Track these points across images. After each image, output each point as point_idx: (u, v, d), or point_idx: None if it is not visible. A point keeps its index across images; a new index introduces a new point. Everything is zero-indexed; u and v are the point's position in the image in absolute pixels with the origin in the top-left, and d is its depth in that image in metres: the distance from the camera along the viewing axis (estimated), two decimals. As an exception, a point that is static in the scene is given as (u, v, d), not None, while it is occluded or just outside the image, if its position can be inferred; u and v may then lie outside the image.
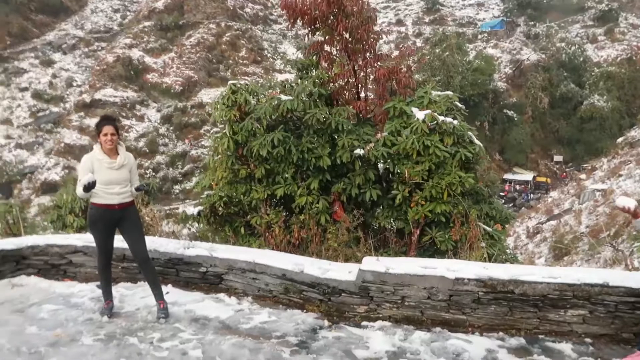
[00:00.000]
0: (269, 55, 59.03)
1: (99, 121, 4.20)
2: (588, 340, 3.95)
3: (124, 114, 44.98)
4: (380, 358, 3.62)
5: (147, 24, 56.06)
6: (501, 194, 40.08)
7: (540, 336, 4.02)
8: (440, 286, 4.18)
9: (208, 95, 50.79)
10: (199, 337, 3.92)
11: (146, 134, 44.67)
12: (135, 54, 51.54)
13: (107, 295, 4.45)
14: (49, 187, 37.03)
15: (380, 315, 4.32)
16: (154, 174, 40.54)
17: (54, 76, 49.32)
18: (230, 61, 55.47)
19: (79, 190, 4.01)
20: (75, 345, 3.77)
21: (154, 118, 47.50)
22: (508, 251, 7.59)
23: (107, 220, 4.20)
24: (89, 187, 3.88)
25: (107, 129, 4.07)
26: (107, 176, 4.11)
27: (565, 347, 3.82)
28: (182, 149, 44.56)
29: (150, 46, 53.39)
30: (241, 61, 55.98)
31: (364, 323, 4.25)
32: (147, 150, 43.12)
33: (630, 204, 3.34)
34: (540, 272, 4.15)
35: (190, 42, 54.18)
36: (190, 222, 7.19)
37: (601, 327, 3.97)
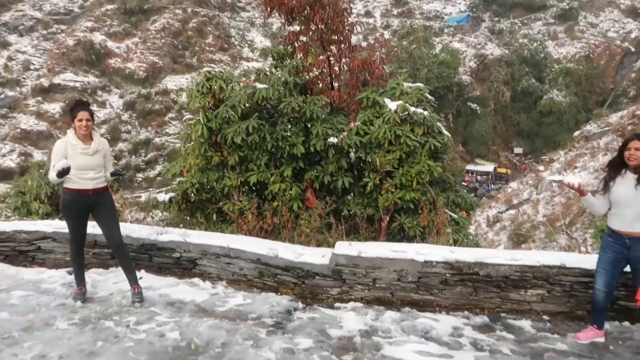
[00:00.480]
0: (236, 42, 58.21)
1: (74, 106, 4.14)
2: (546, 317, 4.23)
3: (84, 99, 43.45)
4: (353, 336, 3.77)
5: (109, 7, 54.27)
6: (463, 184, 41.24)
7: (503, 314, 4.28)
8: (409, 269, 4.37)
9: (173, 82, 49.74)
10: (175, 319, 3.96)
11: (108, 121, 43.42)
12: (97, 37, 49.83)
13: (80, 280, 4.42)
14: (4, 174, 35.52)
15: (353, 297, 4.49)
16: (115, 161, 39.55)
17: (10, 59, 47.17)
18: (197, 48, 54.41)
19: (52, 176, 3.96)
20: (49, 329, 3.75)
21: (117, 104, 46.19)
22: (471, 237, 7.91)
23: (81, 205, 4.16)
24: (63, 172, 3.83)
25: (83, 114, 4.03)
26: (81, 161, 4.07)
27: (525, 324, 4.08)
28: (145, 137, 43.58)
29: (113, 30, 51.71)
30: (208, 48, 55.00)
31: (337, 304, 4.41)
32: (109, 137, 41.79)
33: (575, 181, 3.61)
34: (504, 255, 4.40)
35: (155, 27, 52.78)
36: (161, 209, 7.15)
37: (558, 306, 4.26)
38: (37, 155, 37.88)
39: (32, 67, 47.42)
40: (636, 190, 3.48)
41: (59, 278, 4.86)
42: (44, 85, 44.04)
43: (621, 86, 52.13)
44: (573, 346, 3.72)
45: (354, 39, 7.42)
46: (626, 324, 4.12)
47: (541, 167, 36.84)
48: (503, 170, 45.94)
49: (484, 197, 38.38)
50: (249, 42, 59.25)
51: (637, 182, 3.50)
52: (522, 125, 51.18)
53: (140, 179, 39.98)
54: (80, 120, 4.02)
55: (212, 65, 51.63)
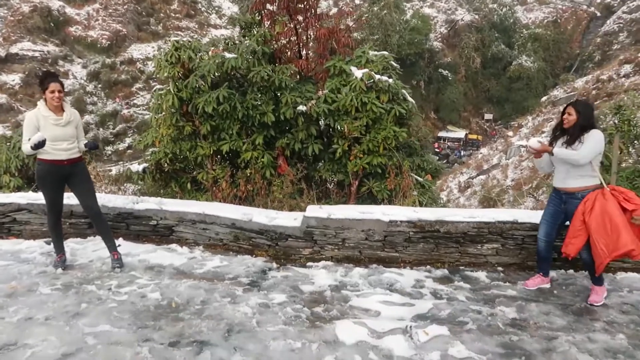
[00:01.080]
0: (203, 9, 56.55)
1: (44, 77, 4.17)
2: (500, 268, 4.62)
3: (44, 70, 41.90)
4: (324, 291, 4.07)
5: (66, -30, 51.62)
6: (436, 150, 42.02)
7: (461, 267, 4.65)
8: (376, 228, 4.67)
9: (139, 50, 48.23)
10: (155, 282, 4.18)
11: (72, 92, 41.96)
12: (55, 3, 47.51)
13: (59, 249, 4.55)
14: (-35, 150, 34.21)
15: (324, 256, 4.78)
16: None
17: (-40, 27, 44.73)
18: (162, 14, 52.66)
19: (26, 148, 4.04)
20: (33, 295, 3.91)
21: (80, 75, 44.61)
22: (439, 201, 8.30)
23: (56, 175, 4.26)
24: (39, 145, 3.92)
25: (54, 85, 4.08)
26: (54, 132, 4.14)
27: (481, 274, 4.46)
28: (112, 108, 42.42)
29: (71, -4, 49.44)
30: (173, 15, 53.31)
31: (309, 264, 4.69)
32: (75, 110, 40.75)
33: (535, 145, 3.96)
34: (462, 213, 4.74)
35: (117, -8, 50.67)
36: (135, 180, 7.24)
37: (510, 258, 4.66)
38: (-1, 129, 36.60)
39: (-15, 35, 45.09)
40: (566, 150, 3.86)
41: (38, 248, 4.97)
42: (1, 56, 42.07)
43: (587, 51, 53.24)
44: (522, 292, 4.12)
45: (324, 5, 7.50)
46: (571, 271, 4.55)
47: (510, 133, 37.77)
48: (474, 136, 46.87)
49: (455, 164, 39.27)
50: (216, 9, 57.65)
51: (566, 144, 3.89)
52: (492, 92, 52.01)
53: (110, 152, 39.17)
54: (52, 91, 4.08)
55: (179, 32, 50.22)
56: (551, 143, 4.03)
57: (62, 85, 4.18)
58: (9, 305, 3.70)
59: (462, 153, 43.15)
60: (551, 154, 3.93)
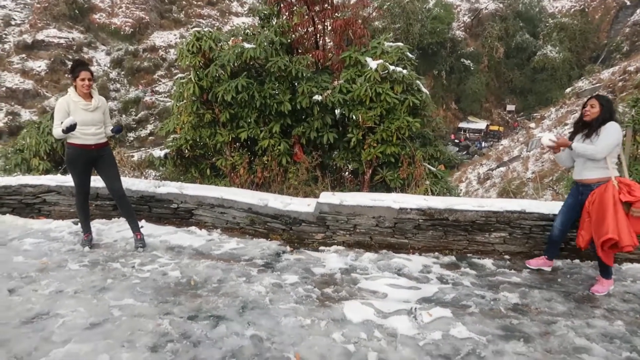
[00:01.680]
0: (225, -3, 56.77)
1: (75, 66, 4.43)
2: (507, 257, 4.75)
3: (70, 57, 42.66)
4: (334, 273, 4.27)
5: (92, -42, 52.25)
6: (455, 141, 41.66)
7: (469, 255, 4.79)
8: (387, 215, 4.84)
9: (161, 38, 48.79)
10: (176, 261, 4.43)
11: (96, 79, 42.31)
12: (80, -9, 48.31)
13: (86, 228, 4.84)
14: (-8, 134, 35.35)
15: (335, 241, 4.97)
16: (108, 120, 39.21)
17: (-10, 14, 45.85)
18: (184, 2, 53.07)
19: (57, 131, 4.31)
20: (62, 270, 4.20)
21: (104, 62, 45.41)
22: (455, 191, 8.39)
23: (85, 159, 4.53)
24: (70, 129, 4.19)
25: (85, 74, 4.34)
26: (83, 117, 4.41)
27: (488, 262, 4.60)
28: (135, 95, 43.12)
29: (96, -17, 50.10)
30: (195, 2, 53.67)
31: (321, 248, 4.89)
32: (99, 96, 41.51)
33: (546, 142, 4.07)
34: (471, 202, 4.87)
35: (141, -20, 51.16)
36: (157, 165, 7.52)
37: (517, 246, 4.77)
38: (25, 115, 37.55)
39: (13, 22, 46.13)
40: (584, 143, 3.93)
41: (66, 228, 5.28)
42: (27, 42, 43.02)
43: (615, 41, 51.82)
44: (526, 279, 4.24)
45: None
46: (577, 261, 4.66)
47: (532, 125, 37.20)
48: (495, 127, 46.26)
49: (476, 155, 38.91)
50: (238, -4, 57.76)
51: (585, 136, 3.95)
52: (516, 82, 51.11)
53: (132, 139, 39.92)
54: (83, 79, 4.34)
55: (201, 20, 50.61)
56: (572, 136, 4.12)
57: (91, 73, 4.44)
58: (41, 279, 3.99)
59: (483, 144, 42.68)
60: (570, 148, 3.99)
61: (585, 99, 4.11)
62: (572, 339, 3.27)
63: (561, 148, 4.15)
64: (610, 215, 3.75)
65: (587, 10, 55.62)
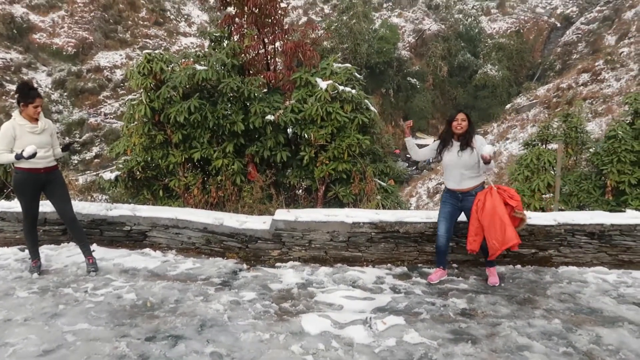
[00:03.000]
0: (172, 17, 56.25)
1: (28, 90, 4.31)
2: (455, 265, 5.01)
3: (7, 78, 40.86)
4: (291, 288, 4.36)
5: (30, -23, 50.55)
6: (408, 156, 42.73)
7: (419, 265, 5.01)
8: (340, 230, 4.99)
9: (106, 58, 47.56)
10: (130, 283, 4.38)
11: (39, 101, 40.86)
12: (18, 10, 46.46)
13: (35, 255, 4.68)
14: None
15: (292, 257, 5.06)
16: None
17: None
18: (130, 22, 52.13)
19: (6, 157, 4.22)
20: (10, 298, 4.05)
21: (45, 83, 43.66)
22: (406, 205, 8.71)
23: (34, 183, 4.42)
24: (32, 156, 4.12)
25: (39, 101, 4.30)
26: (30, 141, 4.32)
27: (437, 271, 4.83)
28: (79, 117, 41.63)
29: (35, 2, 48.32)
30: (142, 22, 52.86)
31: (278, 264, 4.97)
32: (40, 118, 39.71)
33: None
34: (420, 215, 5.12)
35: (83, -1, 49.95)
36: (107, 187, 7.37)
37: (464, 255, 5.03)
38: (-40, 139, 35.36)
39: (-55, 42, 43.67)
40: (458, 156, 4.38)
41: (12, 255, 5.09)
42: (-39, 63, 40.81)
43: (548, 60, 55.37)
44: (473, 285, 4.51)
45: (294, 15, 7.83)
46: (518, 266, 4.98)
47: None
48: (442, 142, 47.69)
49: (424, 170, 40.11)
50: (186, 16, 57.44)
51: (459, 149, 4.39)
52: (459, 99, 53.36)
53: (77, 161, 38.41)
54: (36, 106, 4.28)
55: (147, 40, 49.82)
56: (441, 152, 4.53)
57: (42, 98, 4.37)
58: (-13, 309, 3.84)
59: (431, 160, 44.03)
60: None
61: (451, 115, 4.52)
62: (515, 339, 3.51)
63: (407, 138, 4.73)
64: (508, 222, 4.21)
65: (522, 31, 59.29)
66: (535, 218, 5.10)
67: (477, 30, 56.52)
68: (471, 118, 4.44)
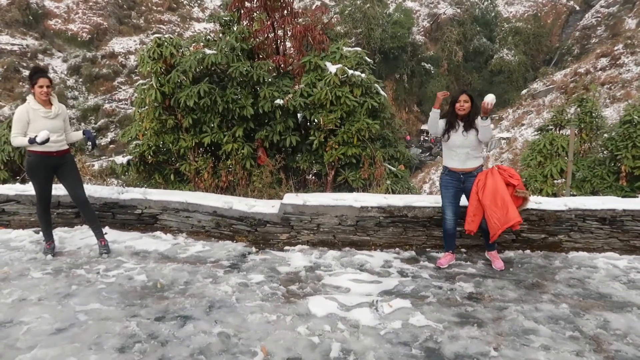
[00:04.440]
0: (185, 2, 56.11)
1: (33, 73, 4.41)
2: (463, 250, 5.00)
3: (24, 64, 41.20)
4: (299, 271, 4.40)
5: (45, -37, 50.70)
6: (423, 142, 42.46)
7: (427, 249, 5.02)
8: (349, 214, 5.01)
9: (120, 44, 47.73)
10: (141, 265, 4.45)
11: (53, 86, 41.27)
12: (33, -4, 46.78)
13: (48, 237, 4.78)
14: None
15: (300, 241, 5.10)
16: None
17: (-63, 20, 43.74)
18: (143, 8, 52.13)
19: (20, 140, 4.30)
20: (25, 278, 4.15)
21: (60, 69, 44.00)
22: (415, 190, 8.67)
23: (46, 166, 4.50)
24: (45, 142, 4.19)
25: (43, 81, 4.32)
26: (44, 125, 4.39)
27: (445, 255, 4.82)
28: (94, 103, 42.00)
29: (50, -12, 48.60)
30: (155, 8, 52.81)
31: (286, 247, 5.01)
32: (57, 104, 40.13)
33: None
34: (428, 199, 5.10)
35: (98, -15, 49.97)
36: (119, 172, 7.46)
37: (473, 240, 5.02)
38: (-21, 124, 36.04)
39: (-37, 30, 44.16)
40: (464, 136, 4.39)
41: (27, 237, 5.20)
42: (-22, 50, 41.28)
43: (566, 45, 54.19)
44: (480, 269, 4.50)
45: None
46: (527, 251, 4.95)
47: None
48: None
49: (438, 156, 39.81)
50: (199, 2, 57.25)
51: (464, 129, 4.39)
52: (475, 85, 52.53)
53: (90, 148, 38.75)
54: (41, 86, 4.32)
55: (161, 26, 49.86)
56: (447, 131, 4.48)
57: (50, 80, 4.43)
58: (3, 288, 3.94)
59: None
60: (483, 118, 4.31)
61: (454, 95, 4.49)
62: (522, 322, 3.51)
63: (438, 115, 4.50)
64: (510, 201, 4.23)
65: (539, 15, 58.00)
66: (545, 203, 5.05)
67: (493, 14, 55.44)
68: (475, 99, 4.41)
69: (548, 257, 4.83)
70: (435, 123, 4.55)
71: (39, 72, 4.42)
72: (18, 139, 4.30)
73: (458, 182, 4.51)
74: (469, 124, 4.39)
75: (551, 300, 3.87)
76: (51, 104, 4.49)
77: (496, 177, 4.32)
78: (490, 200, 4.27)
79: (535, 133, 9.71)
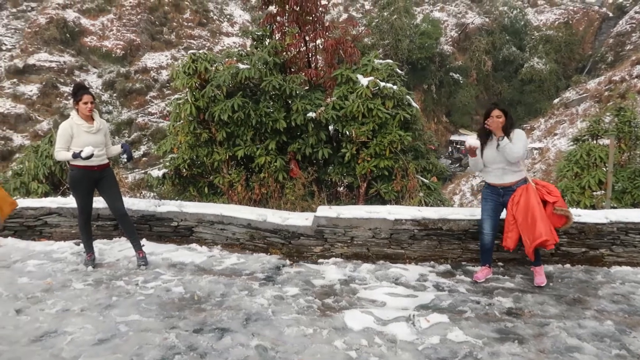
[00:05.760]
0: (215, 17, 57.37)
1: (77, 90, 4.58)
2: (500, 263, 4.89)
3: (62, 80, 42.81)
4: (334, 284, 4.39)
5: (81, -18, 52.80)
6: (450, 154, 41.93)
7: (463, 262, 4.93)
8: (382, 227, 4.98)
9: (152, 59, 49.07)
10: (178, 277, 4.53)
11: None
12: (70, 15, 48.57)
13: (89, 248, 4.93)
14: (-18, 160, 35.07)
15: (334, 253, 5.09)
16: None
17: (-20, 40, 45.96)
18: (175, 23, 53.54)
19: (62, 155, 4.47)
20: (67, 289, 4.29)
21: (96, 84, 45.45)
22: (448, 203, 8.57)
23: (88, 180, 4.65)
24: (90, 157, 4.36)
25: (87, 97, 4.50)
26: (86, 140, 4.55)
27: (481, 269, 4.73)
28: (127, 117, 43.20)
29: (86, 7, 50.39)
30: (186, 23, 54.16)
31: (320, 260, 5.02)
32: (92, 119, 41.43)
33: (474, 143, 4.29)
34: (463, 212, 5.03)
35: (130, 2, 51.62)
36: (155, 184, 7.63)
37: (510, 254, 4.90)
38: (17, 139, 37.40)
39: (4, 47, 46.18)
40: (497, 151, 4.25)
41: (68, 248, 5.37)
42: (18, 67, 42.97)
43: (599, 52, 52.88)
44: (519, 284, 4.39)
45: (334, 12, 7.86)
46: (567, 265, 4.81)
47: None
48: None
49: (468, 167, 39.27)
50: (228, 16, 58.43)
51: (497, 144, 4.24)
52: (504, 94, 51.76)
53: (125, 160, 39.72)
54: (86, 103, 4.50)
55: (192, 41, 51.07)
56: (482, 146, 4.36)
57: (93, 97, 4.60)
58: (47, 299, 4.08)
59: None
60: (499, 141, 4.20)
61: (487, 110, 4.37)
62: (565, 339, 3.41)
63: (477, 153, 4.36)
64: (539, 218, 4.07)
65: (571, 22, 56.82)
66: (585, 216, 4.91)
67: (522, 23, 54.64)
68: (509, 113, 4.30)
69: (589, 271, 4.68)
70: (476, 165, 4.47)
71: (82, 89, 4.59)
72: (62, 154, 4.47)
73: (497, 196, 4.42)
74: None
75: (595, 317, 3.75)
76: (93, 120, 4.65)
77: (530, 192, 4.19)
78: (523, 217, 4.17)
79: (571, 143, 9.48)
